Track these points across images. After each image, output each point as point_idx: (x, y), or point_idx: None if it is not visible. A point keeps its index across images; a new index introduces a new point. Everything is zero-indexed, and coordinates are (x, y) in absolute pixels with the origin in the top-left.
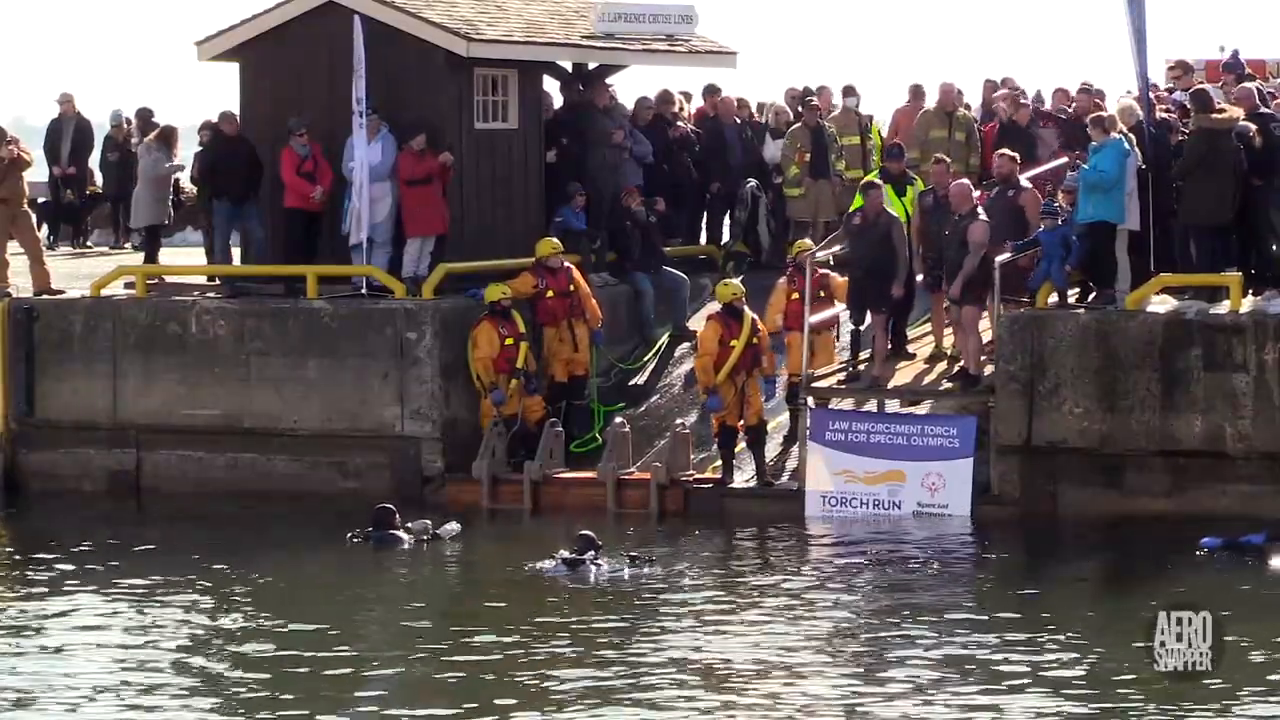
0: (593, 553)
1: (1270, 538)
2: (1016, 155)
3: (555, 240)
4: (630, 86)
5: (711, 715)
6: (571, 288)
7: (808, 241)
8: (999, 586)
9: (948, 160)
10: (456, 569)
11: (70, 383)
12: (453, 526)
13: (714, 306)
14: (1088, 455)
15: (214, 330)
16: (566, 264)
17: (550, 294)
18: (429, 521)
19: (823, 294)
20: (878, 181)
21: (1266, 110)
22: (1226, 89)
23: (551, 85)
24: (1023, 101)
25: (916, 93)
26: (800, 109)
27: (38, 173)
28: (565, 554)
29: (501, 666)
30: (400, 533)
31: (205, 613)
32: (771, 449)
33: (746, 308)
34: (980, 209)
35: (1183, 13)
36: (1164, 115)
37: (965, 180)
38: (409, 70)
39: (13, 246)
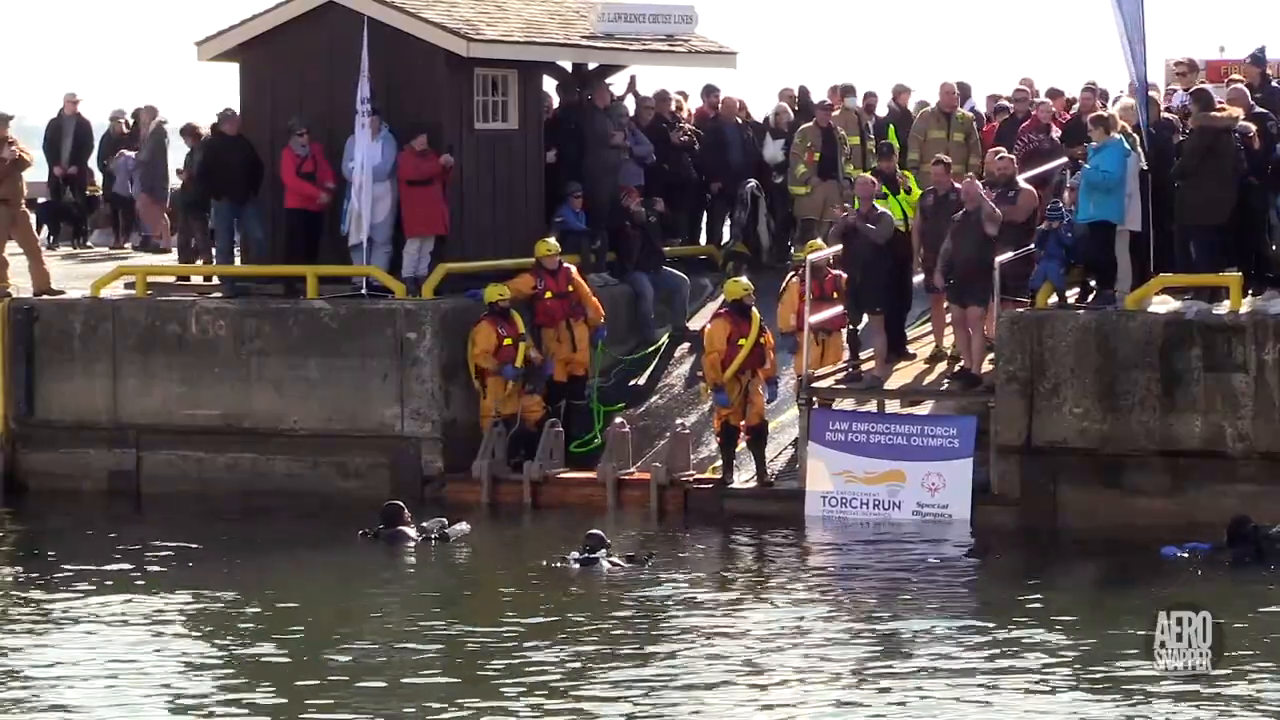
0: (604, 550)
1: (1217, 548)
2: (1014, 156)
3: (553, 242)
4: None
5: (711, 714)
6: (570, 289)
7: (819, 242)
8: (998, 587)
9: (948, 161)
10: (462, 567)
11: (70, 383)
12: (462, 527)
13: (714, 306)
14: (1088, 455)
15: (214, 330)
16: (565, 265)
17: (549, 295)
18: (444, 520)
19: (835, 295)
20: (869, 176)
21: (1263, 110)
22: (1248, 75)
23: (549, 85)
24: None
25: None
26: (796, 109)
27: (37, 172)
28: (576, 554)
29: (501, 666)
30: (409, 529)
31: (206, 613)
32: (774, 449)
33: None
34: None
35: (1183, 13)
36: (1166, 116)
37: (973, 179)
38: (409, 70)
39: (12, 246)
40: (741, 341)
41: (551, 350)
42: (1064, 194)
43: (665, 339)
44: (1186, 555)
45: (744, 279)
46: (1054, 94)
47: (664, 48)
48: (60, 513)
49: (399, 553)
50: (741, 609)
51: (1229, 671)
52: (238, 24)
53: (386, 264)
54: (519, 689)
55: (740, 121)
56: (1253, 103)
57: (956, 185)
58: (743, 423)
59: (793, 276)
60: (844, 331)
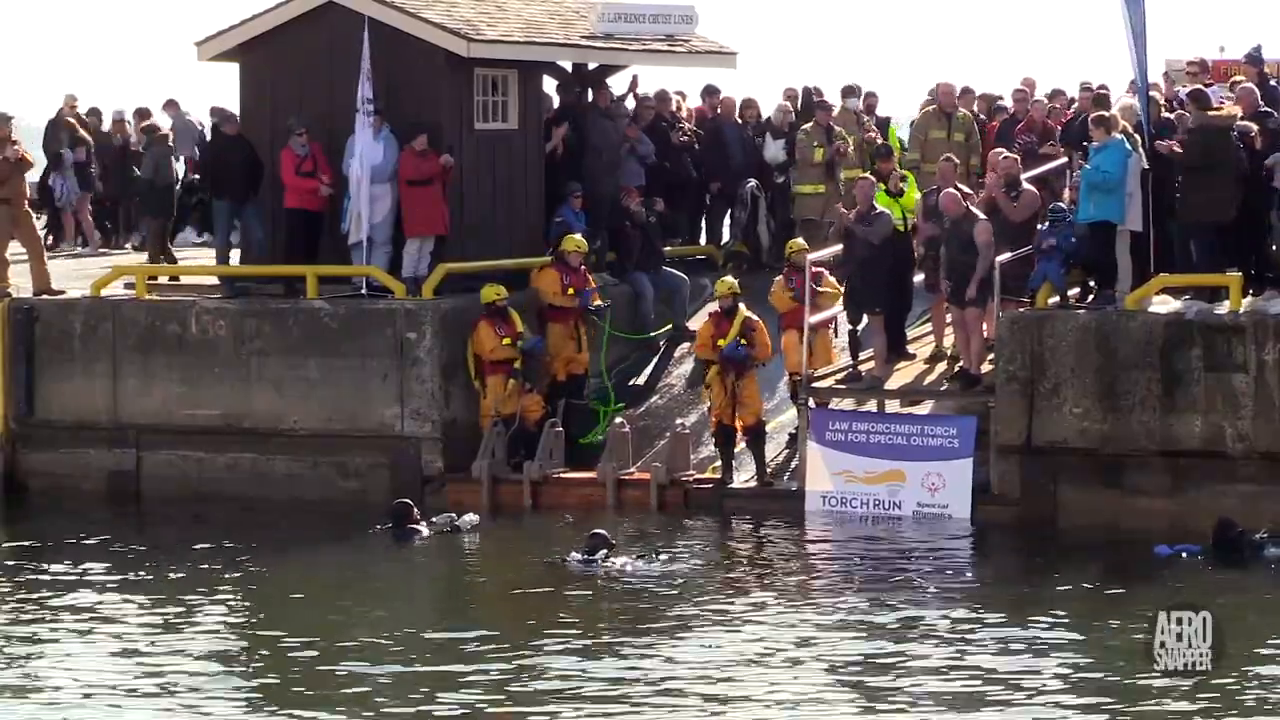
0: (604, 551)
1: (1205, 551)
2: (1018, 157)
3: (580, 238)
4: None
5: (710, 715)
6: (587, 289)
7: (801, 241)
8: (998, 587)
9: (956, 160)
10: (462, 567)
11: (70, 383)
12: (471, 517)
13: (713, 306)
14: (1088, 455)
15: (214, 330)
16: (584, 265)
17: (570, 291)
18: (452, 515)
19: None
20: (868, 175)
21: (1266, 109)
22: (1247, 75)
23: (549, 85)
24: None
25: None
26: (798, 109)
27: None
28: (577, 554)
29: (500, 665)
30: (420, 527)
31: (206, 613)
32: (774, 448)
33: (742, 306)
34: (976, 208)
35: (1183, 13)
36: (1168, 116)
37: (952, 189)
38: (409, 70)
39: (13, 246)
40: (720, 342)
41: (558, 347)
42: (1064, 194)
43: (668, 327)
44: (1184, 555)
45: (729, 278)
46: (1055, 94)
47: (664, 48)
48: (60, 513)
49: (408, 549)
50: (740, 608)
51: (1229, 671)
52: (238, 24)
53: (386, 264)
54: (519, 689)
55: (740, 121)
56: (1258, 100)
57: (963, 187)
58: (738, 423)
59: (779, 278)
60: (832, 330)
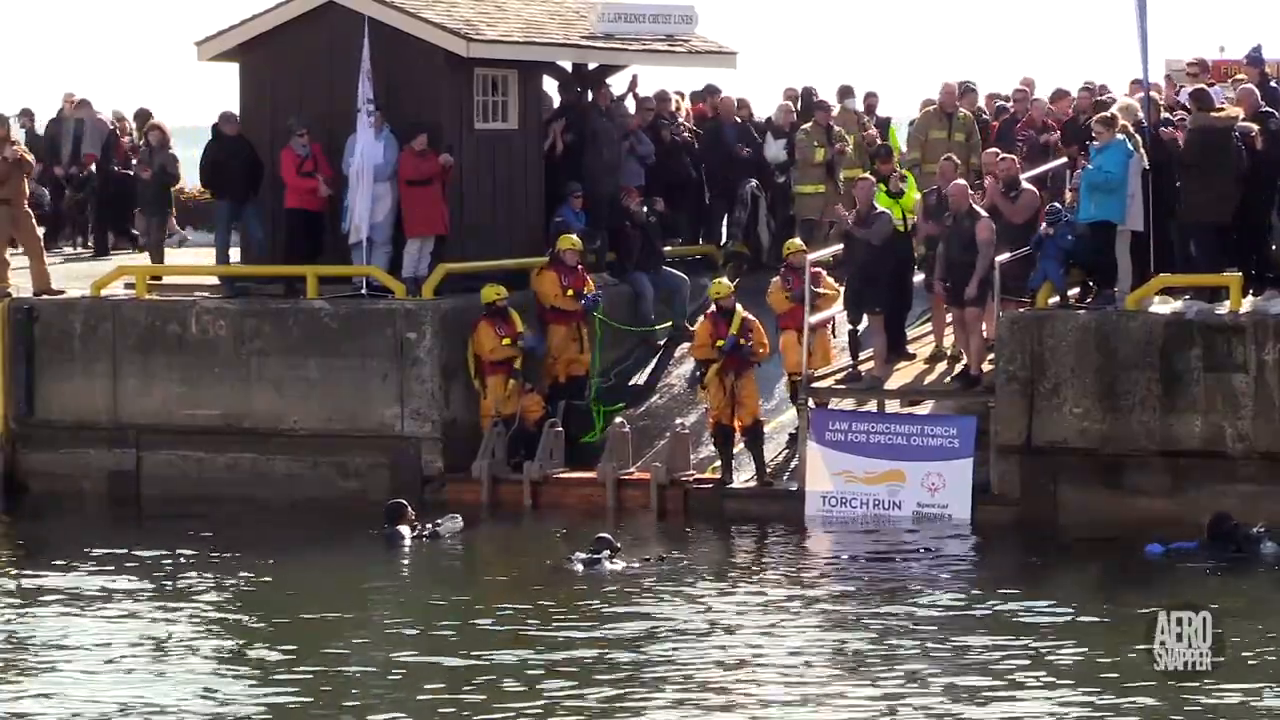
0: (608, 553)
1: (1201, 545)
2: (1015, 158)
3: (574, 237)
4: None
5: (710, 715)
6: (587, 291)
7: (798, 241)
8: (998, 587)
9: (956, 160)
10: (463, 568)
11: (70, 383)
12: (454, 524)
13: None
14: (1088, 455)
15: (214, 330)
16: (581, 265)
17: (569, 293)
18: (455, 515)
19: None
20: (867, 175)
21: (1267, 109)
22: (1248, 76)
23: (550, 85)
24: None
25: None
26: (798, 109)
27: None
28: (582, 555)
29: (500, 666)
30: (404, 528)
31: (206, 613)
32: (774, 449)
33: (739, 307)
34: (979, 207)
35: (1183, 13)
36: (1169, 117)
37: (962, 180)
38: (409, 70)
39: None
40: (719, 343)
41: (560, 348)
42: (1065, 195)
43: (668, 325)
44: (1174, 553)
45: (724, 279)
46: (1060, 95)
47: (664, 48)
48: (60, 513)
49: (395, 552)
50: (741, 609)
51: (1229, 671)
52: (238, 24)
53: (386, 264)
54: (519, 688)
55: (740, 121)
56: (1259, 101)
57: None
58: (736, 424)
59: (777, 278)
60: (831, 330)
